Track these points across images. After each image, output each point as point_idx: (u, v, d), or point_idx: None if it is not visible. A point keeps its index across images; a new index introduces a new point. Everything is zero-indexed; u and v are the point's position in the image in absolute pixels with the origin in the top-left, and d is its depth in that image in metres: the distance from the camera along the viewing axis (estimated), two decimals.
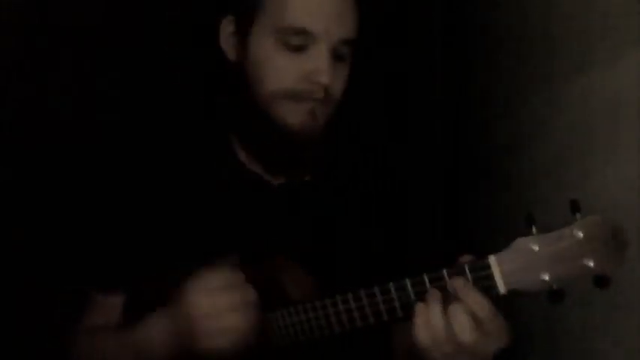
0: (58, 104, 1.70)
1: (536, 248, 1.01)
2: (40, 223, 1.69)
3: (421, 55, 2.07)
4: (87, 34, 1.70)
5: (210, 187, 1.27)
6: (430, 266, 1.09)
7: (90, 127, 1.71)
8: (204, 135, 1.32)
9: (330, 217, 1.30)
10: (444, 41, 2.06)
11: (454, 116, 2.04)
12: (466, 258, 1.05)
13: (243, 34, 1.21)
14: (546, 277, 1.01)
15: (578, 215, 1.00)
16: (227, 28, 1.24)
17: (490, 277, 1.03)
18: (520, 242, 1.02)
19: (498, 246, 1.04)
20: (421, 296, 1.06)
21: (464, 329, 1.01)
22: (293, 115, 1.20)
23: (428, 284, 1.06)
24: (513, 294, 1.04)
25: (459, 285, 1.03)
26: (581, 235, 0.99)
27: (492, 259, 1.03)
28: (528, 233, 1.02)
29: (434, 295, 1.03)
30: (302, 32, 1.16)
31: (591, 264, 0.99)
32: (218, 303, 1.09)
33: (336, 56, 1.19)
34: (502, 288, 1.03)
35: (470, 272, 1.04)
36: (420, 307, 1.03)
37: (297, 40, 1.17)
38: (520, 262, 1.02)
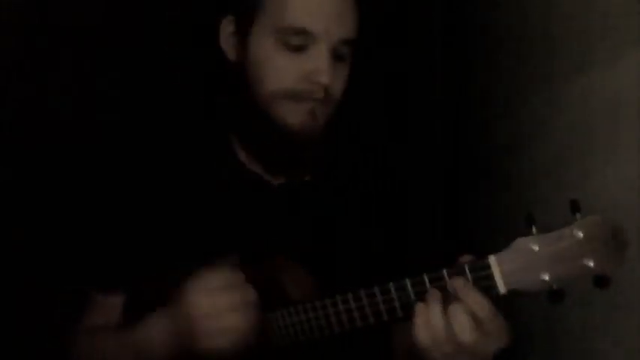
0: (58, 104, 1.70)
1: (536, 248, 1.01)
2: (40, 223, 1.69)
3: (421, 55, 2.07)
4: (87, 34, 1.70)
5: (210, 187, 1.27)
6: (430, 266, 1.09)
7: (90, 127, 1.71)
8: (204, 135, 1.32)
9: (330, 217, 1.30)
10: (444, 41, 2.06)
11: (454, 116, 2.04)
12: (466, 258, 1.05)
13: (243, 34, 1.21)
14: (546, 277, 1.01)
15: (578, 215, 1.00)
16: (227, 28, 1.24)
17: (490, 277, 1.03)
18: (520, 242, 1.02)
19: (498, 246, 1.04)
20: (421, 296, 1.06)
21: (464, 329, 1.01)
22: (293, 115, 1.20)
23: (428, 284, 1.06)
24: (513, 294, 1.04)
25: (459, 285, 1.03)
26: (581, 235, 0.99)
27: (492, 259, 1.03)
28: (528, 233, 1.02)
29: (434, 295, 1.03)
30: (302, 32, 1.16)
31: (591, 264, 0.99)
32: (218, 303, 1.09)
33: (336, 56, 1.19)
34: (502, 288, 1.03)
35: (470, 272, 1.04)
36: (420, 307, 1.03)
37: (297, 40, 1.17)
38: (520, 262, 1.02)
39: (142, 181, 1.28)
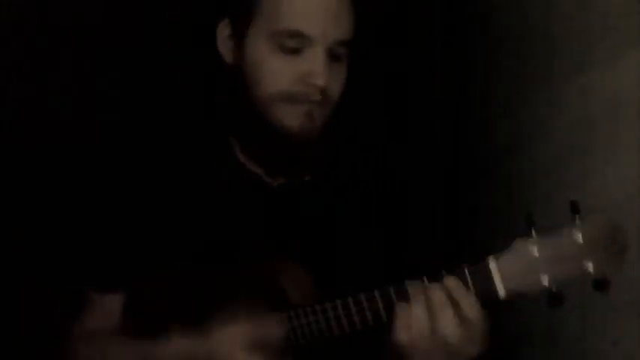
0: (58, 104, 1.70)
1: (535, 250, 1.01)
2: (40, 223, 1.69)
3: (421, 55, 2.06)
4: (87, 34, 1.70)
5: (209, 187, 1.27)
6: (430, 266, 1.09)
7: (90, 127, 1.71)
8: (203, 135, 1.32)
9: (329, 217, 1.30)
10: (444, 41, 2.06)
11: (454, 116, 2.04)
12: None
13: (239, 37, 1.21)
14: (545, 280, 1.01)
15: (577, 217, 1.00)
16: (224, 31, 1.24)
17: (489, 279, 1.03)
18: (519, 244, 1.02)
19: (498, 246, 1.04)
20: None
21: (448, 325, 1.01)
22: (290, 117, 1.20)
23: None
24: (512, 296, 1.04)
25: (453, 284, 1.03)
26: (580, 237, 0.99)
27: (492, 262, 1.03)
28: (528, 235, 1.02)
29: (416, 291, 1.04)
30: (297, 35, 1.16)
31: (591, 267, 0.99)
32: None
33: (333, 57, 1.19)
34: (501, 290, 1.03)
35: (469, 274, 1.04)
36: (401, 305, 1.04)
37: (293, 43, 1.17)
38: (519, 265, 1.02)
39: (141, 182, 1.28)
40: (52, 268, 1.65)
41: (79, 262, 1.32)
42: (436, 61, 2.07)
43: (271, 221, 1.27)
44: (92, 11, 1.70)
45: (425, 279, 1.06)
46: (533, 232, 1.02)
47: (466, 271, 1.04)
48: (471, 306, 1.03)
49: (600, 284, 0.99)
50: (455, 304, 1.03)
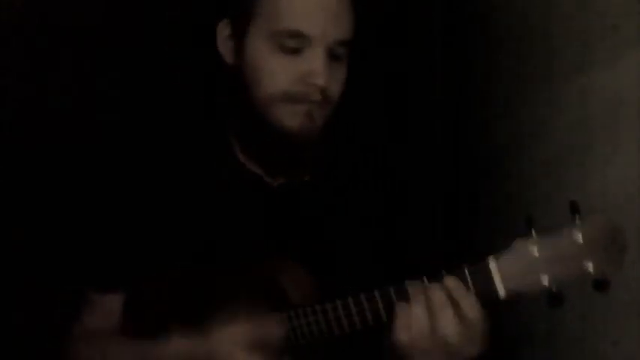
0: (58, 104, 1.70)
1: (535, 250, 1.01)
2: (40, 223, 1.69)
3: (421, 55, 2.06)
4: (87, 34, 1.70)
5: (210, 187, 1.27)
6: (430, 266, 1.09)
7: (90, 127, 1.71)
8: (203, 136, 1.32)
9: (329, 218, 1.30)
10: (444, 41, 2.06)
11: (454, 116, 2.04)
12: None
13: (239, 37, 1.21)
14: (545, 280, 1.01)
15: (577, 217, 1.00)
16: (223, 32, 1.24)
17: (489, 279, 1.03)
18: (519, 244, 1.02)
19: (498, 246, 1.04)
20: None
21: (448, 324, 1.01)
22: (290, 118, 1.20)
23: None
24: (512, 296, 1.04)
25: (453, 284, 1.04)
26: (580, 237, 0.99)
27: (492, 262, 1.03)
28: (528, 235, 1.02)
29: (416, 290, 1.04)
30: (297, 35, 1.16)
31: (591, 267, 0.99)
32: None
33: (333, 56, 1.19)
34: (501, 290, 1.03)
35: (469, 274, 1.04)
36: (401, 305, 1.05)
37: (293, 43, 1.17)
38: (519, 265, 1.02)
39: (141, 182, 1.28)
40: (52, 268, 1.65)
41: (79, 262, 1.32)
42: (436, 61, 2.07)
43: (271, 221, 1.27)
44: (92, 11, 1.70)
45: (425, 279, 1.06)
46: (533, 232, 1.02)
47: (466, 271, 1.04)
48: (471, 306, 1.03)
49: (600, 284, 0.99)
50: (455, 304, 1.03)
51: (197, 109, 1.72)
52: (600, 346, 1.44)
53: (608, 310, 1.39)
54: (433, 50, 2.07)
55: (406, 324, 1.04)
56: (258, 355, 1.11)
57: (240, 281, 1.19)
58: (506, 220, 1.75)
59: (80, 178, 1.66)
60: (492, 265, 1.03)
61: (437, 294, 1.04)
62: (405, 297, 1.07)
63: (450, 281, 1.04)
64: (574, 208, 1.00)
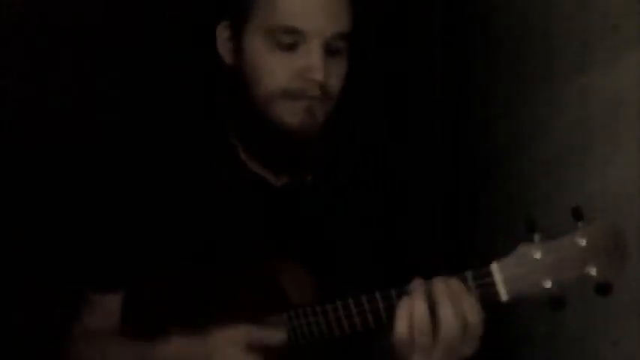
0: (58, 104, 1.70)
1: (538, 255, 1.01)
2: (40, 222, 1.69)
3: (421, 55, 2.06)
4: (87, 34, 1.70)
5: (211, 187, 1.27)
6: (430, 266, 1.09)
7: (90, 127, 1.71)
8: (205, 136, 1.32)
9: (330, 218, 1.30)
10: (444, 41, 2.06)
11: (454, 116, 2.04)
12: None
13: (237, 37, 1.22)
14: (548, 285, 1.01)
15: (580, 223, 1.00)
16: (223, 34, 1.25)
17: (492, 284, 1.03)
18: (522, 249, 1.02)
19: (498, 246, 1.04)
20: None
21: (449, 320, 1.02)
22: (290, 114, 1.20)
23: None
24: (515, 299, 1.04)
25: (455, 286, 1.04)
26: (583, 242, 1.00)
27: (495, 267, 1.03)
28: (530, 239, 1.02)
29: (418, 286, 1.04)
30: (292, 31, 1.16)
31: (593, 272, 0.99)
32: None
33: (331, 51, 1.19)
34: (504, 295, 1.03)
35: (472, 279, 1.04)
36: (403, 300, 1.05)
37: (289, 39, 1.17)
38: (522, 270, 1.02)
39: (142, 182, 1.28)
40: (51, 268, 1.65)
41: (79, 262, 1.32)
42: (436, 61, 2.07)
43: (272, 221, 1.27)
44: (92, 11, 1.70)
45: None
46: (536, 236, 1.02)
47: (469, 275, 1.04)
48: (471, 307, 1.03)
49: (603, 288, 0.99)
50: (456, 305, 1.03)
51: (197, 110, 1.72)
52: (600, 346, 1.44)
53: (608, 310, 1.39)
54: (433, 50, 2.06)
55: (407, 316, 1.04)
56: (258, 356, 1.11)
57: (240, 281, 1.19)
58: (506, 220, 1.75)
59: (80, 179, 1.66)
60: (495, 269, 1.03)
61: (439, 287, 1.04)
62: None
63: (453, 282, 1.04)
64: (577, 214, 1.00)
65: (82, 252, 1.32)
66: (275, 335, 1.13)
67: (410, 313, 1.04)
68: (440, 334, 1.03)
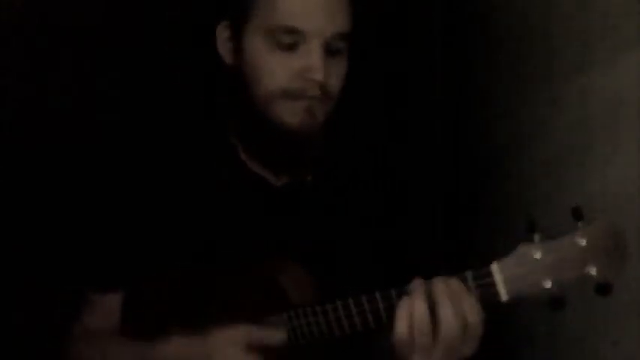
0: (58, 104, 1.70)
1: (538, 255, 1.01)
2: (40, 222, 1.69)
3: (421, 55, 2.06)
4: (87, 34, 1.70)
5: (211, 187, 1.27)
6: (430, 266, 1.09)
7: (90, 127, 1.71)
8: (205, 136, 1.32)
9: (330, 218, 1.30)
10: (444, 41, 2.06)
11: (454, 116, 2.04)
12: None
13: (237, 37, 1.22)
14: (548, 285, 1.01)
15: (580, 223, 1.00)
16: (223, 34, 1.25)
17: (492, 284, 1.03)
18: (522, 249, 1.02)
19: (498, 246, 1.04)
20: None
21: (449, 319, 1.02)
22: (290, 114, 1.20)
23: None
24: (515, 299, 1.04)
25: (456, 286, 1.04)
26: (583, 242, 1.00)
27: (495, 267, 1.03)
28: (530, 239, 1.02)
29: (419, 285, 1.04)
30: (292, 31, 1.16)
31: (594, 272, 1.00)
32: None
33: (331, 51, 1.19)
34: (504, 295, 1.03)
35: (472, 279, 1.04)
36: (403, 300, 1.04)
37: (288, 39, 1.17)
38: (522, 270, 1.02)
39: (142, 182, 1.28)
40: (51, 268, 1.65)
41: (79, 262, 1.32)
42: (436, 61, 2.07)
43: (272, 221, 1.27)
44: (92, 11, 1.70)
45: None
46: (536, 236, 1.02)
47: (469, 275, 1.04)
48: (471, 307, 1.03)
49: (603, 288, 1.00)
50: (456, 304, 1.03)
51: (198, 110, 1.72)
52: (600, 346, 1.44)
53: (608, 310, 1.39)
54: (433, 50, 2.07)
55: (407, 316, 1.04)
56: (257, 356, 1.11)
57: (240, 281, 1.19)
58: (506, 220, 1.75)
59: (80, 179, 1.66)
60: (495, 269, 1.03)
61: (439, 287, 1.04)
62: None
63: (453, 282, 1.05)
64: (577, 214, 1.00)
65: (82, 252, 1.32)
66: (275, 335, 1.13)
67: (410, 313, 1.04)
68: (440, 334, 1.03)
